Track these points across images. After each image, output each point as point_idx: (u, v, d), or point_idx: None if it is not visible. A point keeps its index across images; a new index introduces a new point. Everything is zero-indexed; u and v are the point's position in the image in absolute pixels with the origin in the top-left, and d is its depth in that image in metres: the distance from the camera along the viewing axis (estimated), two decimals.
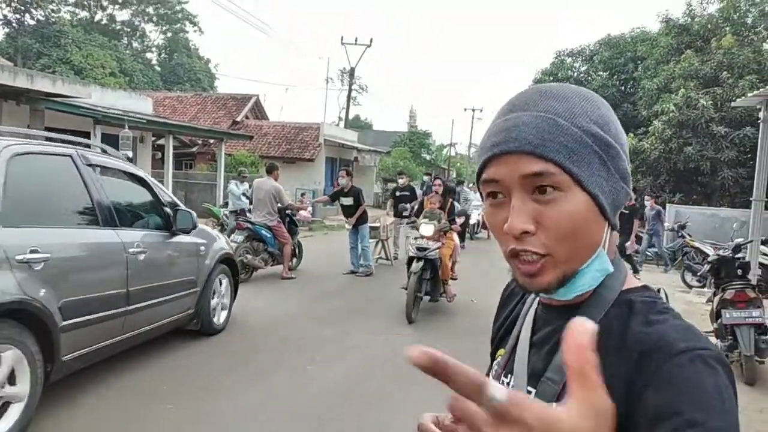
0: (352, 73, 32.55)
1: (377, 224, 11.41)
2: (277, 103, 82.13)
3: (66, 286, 3.76)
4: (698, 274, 10.31)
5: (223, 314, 6.10)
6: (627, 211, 10.49)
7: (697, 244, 11.71)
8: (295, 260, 9.88)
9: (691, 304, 8.20)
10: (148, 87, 38.19)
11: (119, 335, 4.38)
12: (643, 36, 24.73)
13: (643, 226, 13.59)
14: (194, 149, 23.08)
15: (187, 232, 5.30)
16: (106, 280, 4.22)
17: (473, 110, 53.29)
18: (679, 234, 13.28)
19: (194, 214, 5.45)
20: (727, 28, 18.00)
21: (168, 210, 5.17)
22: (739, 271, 6.02)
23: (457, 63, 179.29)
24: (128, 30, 49.40)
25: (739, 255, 6.56)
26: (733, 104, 10.36)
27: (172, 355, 5.24)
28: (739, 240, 7.51)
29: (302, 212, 10.52)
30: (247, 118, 27.98)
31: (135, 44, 49.48)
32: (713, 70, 17.08)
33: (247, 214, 10.10)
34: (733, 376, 0.72)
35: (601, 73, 26.32)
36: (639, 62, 23.51)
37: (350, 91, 33.89)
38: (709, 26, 18.48)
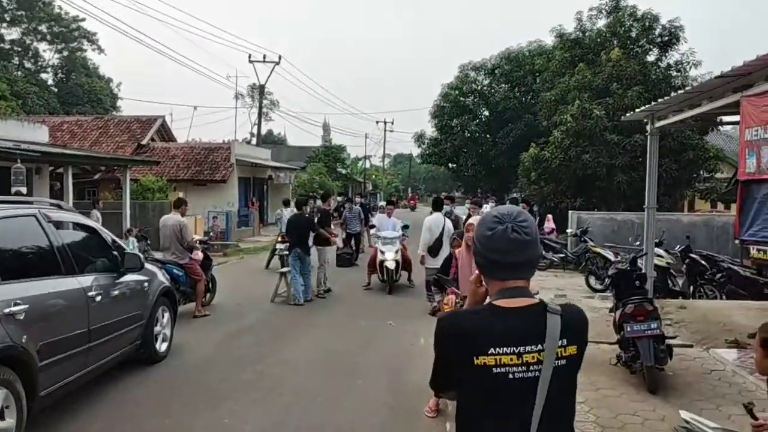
0: (261, 90, 32.11)
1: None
2: (185, 124, 79.42)
3: (42, 331, 4.29)
4: (601, 280, 10.89)
5: (165, 344, 6.71)
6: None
7: (598, 250, 12.39)
8: (208, 295, 9.53)
9: (595, 311, 8.59)
10: (43, 110, 35.70)
11: (83, 369, 4.92)
12: (539, 50, 26.00)
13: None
14: (97, 176, 21.85)
15: (135, 271, 5.93)
16: (72, 321, 4.77)
17: (385, 122, 54.06)
18: (582, 239, 14.02)
19: (141, 256, 6.26)
20: (615, 42, 19.25)
21: (115, 253, 5.82)
22: (637, 282, 6.51)
23: (368, 78, 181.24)
24: (19, 50, 46.04)
25: (637, 265, 6.99)
26: (623, 118, 11.04)
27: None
28: (637, 243, 8.01)
29: (196, 252, 9.22)
30: (153, 140, 26.90)
31: (28, 64, 46.30)
32: (604, 82, 18.19)
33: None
34: (440, 326, 1.64)
35: (503, 85, 27.43)
36: (537, 75, 24.68)
37: (261, 108, 33.43)
38: (598, 40, 19.67)
